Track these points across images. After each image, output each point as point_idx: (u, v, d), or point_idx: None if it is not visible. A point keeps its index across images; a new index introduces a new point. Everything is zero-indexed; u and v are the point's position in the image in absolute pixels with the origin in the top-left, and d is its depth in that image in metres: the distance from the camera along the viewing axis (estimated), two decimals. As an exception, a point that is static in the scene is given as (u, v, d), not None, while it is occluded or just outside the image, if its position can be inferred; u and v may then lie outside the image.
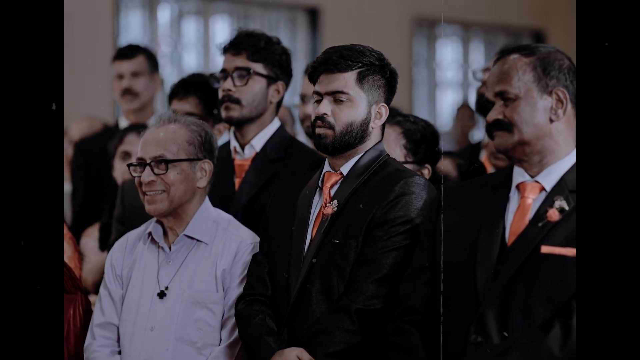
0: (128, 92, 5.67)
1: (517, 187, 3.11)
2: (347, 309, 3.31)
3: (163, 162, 3.61)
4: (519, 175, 3.12)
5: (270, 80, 4.09)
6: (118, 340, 3.67)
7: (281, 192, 3.63)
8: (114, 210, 4.41)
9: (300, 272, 3.40)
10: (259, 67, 4.08)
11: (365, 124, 3.45)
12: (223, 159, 3.99)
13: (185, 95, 4.42)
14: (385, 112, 3.49)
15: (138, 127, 4.67)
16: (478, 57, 11.21)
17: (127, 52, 5.80)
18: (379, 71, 3.46)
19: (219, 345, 3.57)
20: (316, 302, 3.36)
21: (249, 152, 4.12)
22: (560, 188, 3.04)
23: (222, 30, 9.52)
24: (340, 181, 3.48)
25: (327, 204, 3.42)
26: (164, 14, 9.31)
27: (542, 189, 3.07)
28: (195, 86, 4.43)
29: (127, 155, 4.80)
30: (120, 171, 4.78)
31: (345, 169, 3.48)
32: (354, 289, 3.33)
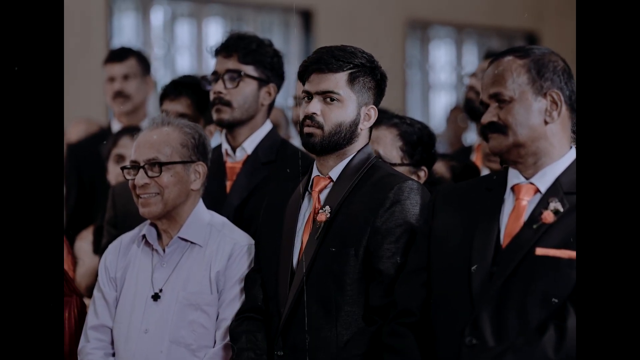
0: (119, 95, 5.66)
1: (512, 188, 3.11)
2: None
3: (157, 164, 3.61)
4: (514, 177, 3.12)
5: (262, 82, 4.09)
6: (112, 343, 3.67)
7: (271, 201, 3.60)
8: (106, 212, 4.40)
9: (294, 281, 3.38)
10: (250, 70, 4.07)
11: (354, 125, 3.43)
12: (214, 162, 3.97)
13: (177, 96, 4.43)
14: (374, 114, 3.47)
15: (132, 130, 4.66)
16: (471, 59, 11.20)
17: (118, 55, 5.79)
18: (370, 73, 3.45)
19: (214, 347, 3.57)
20: (312, 311, 3.33)
21: (241, 155, 4.11)
22: (555, 190, 3.04)
23: (216, 33, 9.50)
24: (329, 185, 3.46)
25: (320, 211, 3.40)
26: (157, 17, 9.29)
27: (537, 190, 3.07)
28: (187, 87, 4.43)
29: (121, 158, 4.80)
30: (114, 174, 4.78)
31: (334, 173, 3.46)
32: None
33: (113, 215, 4.28)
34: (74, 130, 6.27)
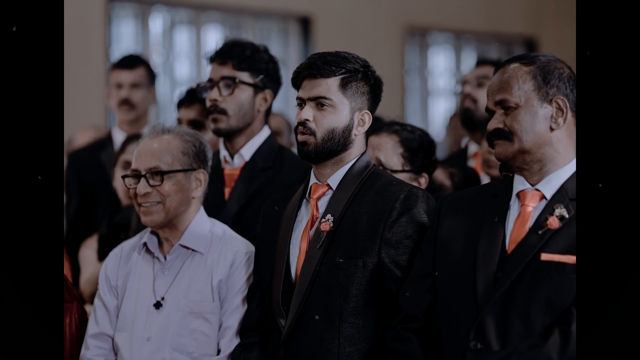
0: (126, 103, 5.65)
1: (518, 195, 3.12)
2: None
3: (158, 173, 3.60)
4: (520, 183, 3.12)
5: (257, 88, 4.08)
6: (112, 351, 3.67)
7: (268, 210, 3.58)
8: (131, 223, 4.38)
9: (296, 290, 3.35)
10: (245, 76, 4.06)
11: (347, 130, 3.40)
12: (213, 169, 3.97)
13: (191, 104, 4.44)
14: (368, 119, 3.44)
15: (140, 138, 4.68)
16: (470, 65, 11.19)
17: (129, 62, 5.77)
18: (363, 78, 3.41)
19: (216, 355, 3.56)
20: (315, 321, 3.31)
21: (239, 162, 4.11)
22: (560, 196, 3.05)
23: (214, 40, 9.50)
24: (328, 194, 3.43)
25: (322, 220, 3.37)
26: (156, 24, 9.28)
27: (543, 197, 3.08)
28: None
29: (128, 164, 4.78)
30: (120, 181, 4.77)
31: (332, 180, 3.43)
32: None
33: (137, 225, 4.27)
34: (82, 138, 6.26)
